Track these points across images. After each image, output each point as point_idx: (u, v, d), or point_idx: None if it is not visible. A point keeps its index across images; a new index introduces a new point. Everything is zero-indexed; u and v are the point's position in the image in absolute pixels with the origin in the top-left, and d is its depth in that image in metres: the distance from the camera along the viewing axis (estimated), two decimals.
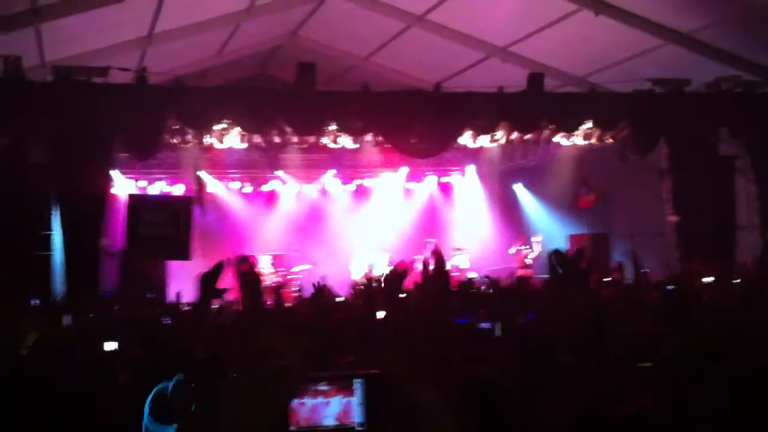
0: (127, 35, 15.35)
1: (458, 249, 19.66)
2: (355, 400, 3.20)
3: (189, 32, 15.95)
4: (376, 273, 17.25)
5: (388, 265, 17.47)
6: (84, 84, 12.74)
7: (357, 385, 3.22)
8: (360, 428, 3.18)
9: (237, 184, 20.15)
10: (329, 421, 3.20)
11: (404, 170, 21.23)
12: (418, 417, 2.33)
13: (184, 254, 13.58)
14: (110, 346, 6.44)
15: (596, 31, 15.32)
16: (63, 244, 12.42)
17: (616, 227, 17.63)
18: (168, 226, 13.44)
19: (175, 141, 14.64)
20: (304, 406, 3.16)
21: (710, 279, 10.44)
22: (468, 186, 22.35)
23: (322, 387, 3.25)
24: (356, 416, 3.20)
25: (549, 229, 19.48)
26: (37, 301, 10.81)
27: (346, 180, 21.42)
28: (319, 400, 3.21)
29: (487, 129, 15.67)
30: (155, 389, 3.79)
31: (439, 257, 3.30)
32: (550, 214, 19.94)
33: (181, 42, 16.26)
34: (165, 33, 15.61)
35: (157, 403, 3.74)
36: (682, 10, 14.48)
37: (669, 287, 8.95)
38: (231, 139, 14.90)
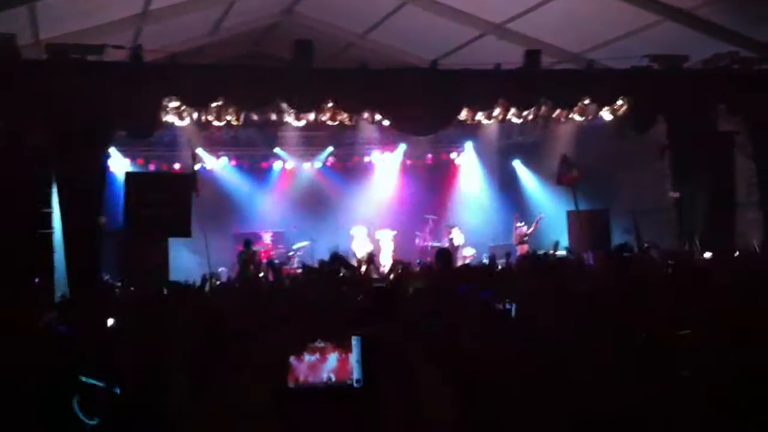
0: (121, 13, 15.27)
1: (452, 226, 19.73)
2: (353, 357, 3.24)
3: (183, 9, 15.88)
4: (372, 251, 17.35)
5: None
6: (79, 62, 12.69)
7: (355, 342, 3.25)
8: (357, 385, 3.22)
9: (234, 162, 20.12)
10: (326, 376, 3.25)
11: (402, 147, 21.20)
12: (417, 385, 2.35)
13: (184, 231, 13.61)
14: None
15: (593, 7, 15.28)
16: (62, 223, 12.42)
17: (616, 204, 17.63)
18: (167, 204, 13.43)
19: (171, 119, 14.57)
20: (302, 363, 3.19)
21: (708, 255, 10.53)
22: (466, 163, 22.33)
23: (320, 344, 3.29)
24: (354, 373, 3.24)
25: (547, 206, 19.51)
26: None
27: (345, 157, 21.40)
28: (317, 357, 3.26)
29: (485, 106, 15.65)
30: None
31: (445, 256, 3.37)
32: (548, 190, 19.94)
33: (176, 20, 16.17)
34: (159, 10, 15.55)
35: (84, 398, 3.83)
36: None
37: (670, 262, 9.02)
38: (228, 117, 14.86)
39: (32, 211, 12.28)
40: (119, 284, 13.24)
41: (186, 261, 15.42)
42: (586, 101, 15.73)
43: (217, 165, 19.86)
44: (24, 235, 12.00)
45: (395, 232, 18.90)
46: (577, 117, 16.30)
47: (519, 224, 19.05)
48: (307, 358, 3.27)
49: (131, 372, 4.36)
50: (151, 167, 18.71)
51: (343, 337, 3.31)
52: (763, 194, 15.40)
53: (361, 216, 19.77)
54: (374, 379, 3.16)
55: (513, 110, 15.86)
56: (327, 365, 3.33)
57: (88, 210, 12.57)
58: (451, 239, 19.19)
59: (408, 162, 21.73)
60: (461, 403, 2.55)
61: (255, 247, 18.06)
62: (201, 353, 4.06)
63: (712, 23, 15.18)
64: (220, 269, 15.53)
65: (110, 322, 6.61)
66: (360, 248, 18.08)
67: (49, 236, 12.33)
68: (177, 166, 18.44)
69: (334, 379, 3.31)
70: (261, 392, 2.08)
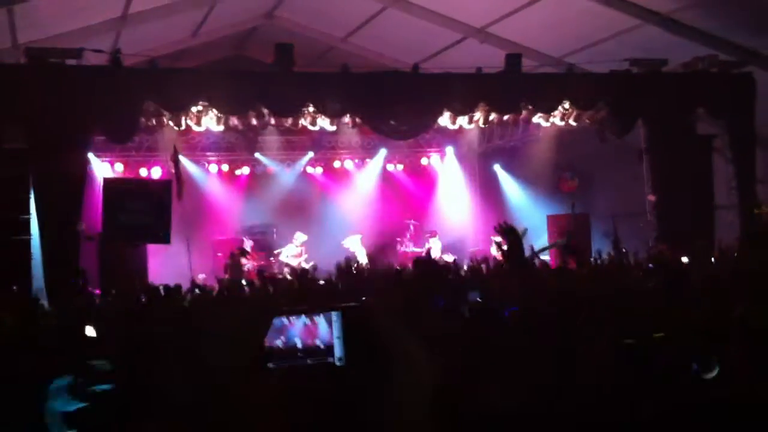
0: (101, 17, 15.15)
1: (432, 233, 19.74)
2: (334, 333, 3.14)
3: (163, 13, 15.78)
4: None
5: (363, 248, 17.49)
6: (58, 66, 12.57)
7: (335, 317, 3.16)
8: (339, 363, 3.14)
9: (214, 167, 19.99)
10: (295, 342, 3.16)
11: (383, 152, 21.17)
12: (396, 356, 2.31)
13: (163, 238, 13.50)
14: (90, 332, 6.40)
15: (573, 11, 15.34)
16: (40, 229, 12.28)
17: (596, 207, 17.71)
18: (146, 212, 13.31)
19: (151, 124, 14.47)
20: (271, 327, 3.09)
21: (686, 259, 10.57)
22: (447, 167, 22.33)
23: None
24: (334, 349, 3.15)
25: (528, 210, 19.55)
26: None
27: (325, 162, 21.33)
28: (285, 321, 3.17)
29: (466, 110, 15.63)
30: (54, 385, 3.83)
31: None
32: (529, 194, 19.99)
33: (156, 23, 16.07)
34: (139, 14, 15.44)
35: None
36: None
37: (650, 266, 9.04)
38: (208, 121, 14.77)
39: (10, 217, 12.13)
40: (98, 291, 13.11)
41: (165, 267, 15.27)
42: (566, 104, 15.75)
43: (197, 170, 19.71)
44: (1, 241, 11.85)
45: (361, 236, 18.60)
46: (557, 121, 16.32)
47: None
48: (277, 322, 3.17)
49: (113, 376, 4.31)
50: (131, 172, 18.55)
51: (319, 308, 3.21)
52: (742, 197, 15.51)
53: (342, 221, 19.69)
54: (357, 358, 3.08)
55: (494, 114, 15.85)
56: (293, 329, 3.23)
57: (66, 215, 12.43)
58: (428, 248, 19.11)
59: (388, 166, 21.69)
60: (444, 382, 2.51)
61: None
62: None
63: (691, 27, 15.28)
64: (200, 276, 15.41)
65: (89, 330, 6.51)
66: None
67: (27, 242, 12.18)
68: (157, 170, 18.30)
69: (300, 345, 3.21)
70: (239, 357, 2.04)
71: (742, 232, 14.74)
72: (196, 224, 17.03)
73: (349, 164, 21.39)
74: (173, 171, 15.07)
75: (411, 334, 2.30)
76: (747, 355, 3.38)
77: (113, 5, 14.88)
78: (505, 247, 4.00)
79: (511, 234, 3.95)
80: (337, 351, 3.18)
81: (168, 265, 15.34)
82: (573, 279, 8.35)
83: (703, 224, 15.00)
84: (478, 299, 6.14)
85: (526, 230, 11.62)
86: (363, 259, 16.70)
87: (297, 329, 3.22)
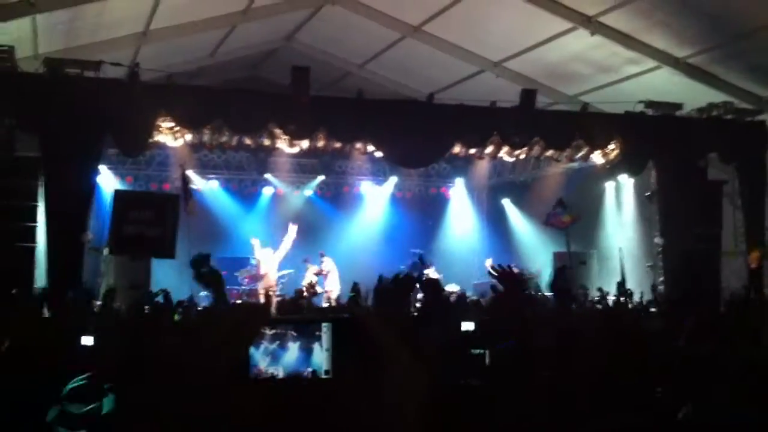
0: (122, 31, 15.29)
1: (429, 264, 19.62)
2: (321, 345, 3.10)
3: (184, 31, 15.93)
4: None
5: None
6: (75, 77, 12.66)
7: (325, 328, 3.13)
8: (326, 375, 3.10)
9: (223, 186, 20.06)
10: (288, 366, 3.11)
11: (393, 180, 21.21)
12: (387, 366, 2.27)
13: (168, 253, 13.49)
14: (87, 340, 6.38)
15: (591, 50, 15.40)
16: (47, 237, 12.30)
17: (603, 247, 17.70)
18: (153, 224, 13.31)
19: (164, 139, 14.52)
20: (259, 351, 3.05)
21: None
22: (456, 199, 22.34)
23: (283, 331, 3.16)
24: (323, 363, 3.11)
25: (535, 246, 19.52)
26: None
27: (335, 186, 21.39)
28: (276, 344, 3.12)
29: (478, 142, 15.66)
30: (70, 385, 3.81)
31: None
32: (536, 230, 19.95)
33: (176, 41, 16.23)
34: (160, 30, 15.59)
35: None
36: (677, 35, 14.56)
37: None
38: (221, 140, 14.84)
39: (17, 224, 12.18)
40: (100, 301, 13.10)
41: (169, 281, 15.22)
42: (579, 143, 15.76)
43: (206, 187, 19.79)
44: (6, 248, 11.87)
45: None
46: (568, 159, 16.33)
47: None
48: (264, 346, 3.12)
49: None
50: (141, 187, 18.63)
51: (315, 326, 3.17)
52: (750, 244, 15.44)
53: (348, 244, 19.67)
54: (345, 370, 3.03)
55: (506, 148, 15.86)
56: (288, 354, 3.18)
57: (74, 226, 12.45)
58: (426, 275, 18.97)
59: (398, 194, 21.72)
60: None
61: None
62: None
63: (707, 72, 15.33)
64: (202, 293, 15.38)
65: (87, 339, 6.49)
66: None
67: (32, 249, 12.20)
68: (168, 185, 18.37)
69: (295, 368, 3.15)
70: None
71: (749, 278, 14.68)
72: (202, 241, 17.00)
73: (358, 189, 21.44)
74: (182, 186, 15.11)
75: (405, 346, 2.28)
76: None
77: (136, 21, 15.02)
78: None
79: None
80: (325, 364, 3.15)
81: (173, 279, 15.30)
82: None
83: (709, 269, 14.93)
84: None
85: (538, 274, 11.64)
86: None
87: (292, 355, 3.19)
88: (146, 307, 8.96)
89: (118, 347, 5.87)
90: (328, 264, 17.74)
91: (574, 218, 16.23)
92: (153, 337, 6.26)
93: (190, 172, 18.67)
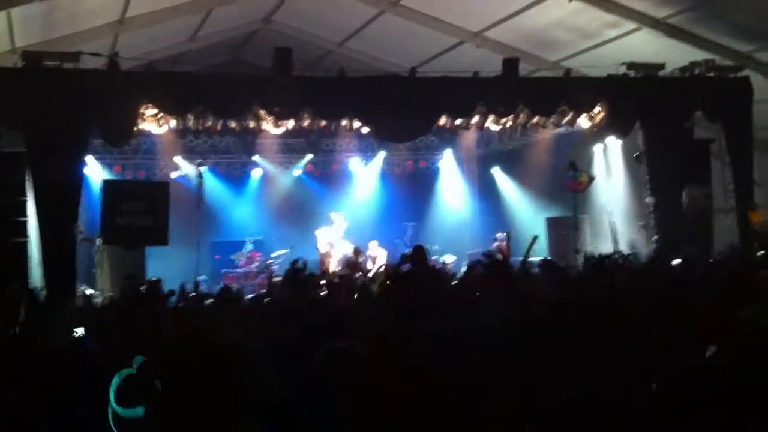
0: (99, 20, 15.19)
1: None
2: None
3: (161, 17, 15.81)
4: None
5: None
6: (55, 70, 12.59)
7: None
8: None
9: (212, 170, 20.01)
10: None
11: (382, 155, 21.21)
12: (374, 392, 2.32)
13: (161, 240, 13.56)
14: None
15: (570, 16, 15.37)
16: (38, 231, 12.30)
17: (594, 210, 17.76)
18: (145, 214, 13.38)
19: (149, 127, 14.47)
20: None
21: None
22: (446, 171, 22.36)
23: None
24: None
25: (527, 213, 19.60)
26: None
27: (324, 165, 21.40)
28: None
29: (464, 113, 15.63)
30: (118, 375, 3.76)
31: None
32: (528, 198, 20.03)
33: (154, 27, 16.12)
34: (137, 18, 15.48)
35: (122, 387, 3.71)
36: None
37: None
38: (206, 124, 14.81)
39: (7, 220, 12.17)
40: (97, 293, 13.16)
41: (164, 270, 15.27)
42: (564, 108, 15.75)
43: (194, 173, 19.73)
44: None
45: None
46: (554, 125, 16.32)
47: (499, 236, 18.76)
48: None
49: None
50: (129, 175, 18.63)
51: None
52: (739, 200, 15.50)
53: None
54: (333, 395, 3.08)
55: (492, 117, 15.84)
56: None
57: (64, 218, 12.45)
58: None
59: (387, 169, 21.73)
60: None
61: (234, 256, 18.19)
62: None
63: (687, 32, 15.31)
64: (200, 277, 15.44)
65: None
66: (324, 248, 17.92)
67: (24, 244, 12.21)
68: (155, 173, 18.37)
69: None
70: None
71: (741, 236, 14.77)
72: (194, 226, 17.05)
73: (347, 167, 21.46)
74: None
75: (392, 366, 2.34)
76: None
77: (111, 10, 14.91)
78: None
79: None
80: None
81: (168, 267, 15.35)
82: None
83: (701, 227, 15.04)
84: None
85: (536, 237, 11.67)
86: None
87: None
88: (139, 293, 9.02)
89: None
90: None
91: (590, 179, 16.30)
92: (151, 324, 6.32)
93: (177, 159, 18.74)
